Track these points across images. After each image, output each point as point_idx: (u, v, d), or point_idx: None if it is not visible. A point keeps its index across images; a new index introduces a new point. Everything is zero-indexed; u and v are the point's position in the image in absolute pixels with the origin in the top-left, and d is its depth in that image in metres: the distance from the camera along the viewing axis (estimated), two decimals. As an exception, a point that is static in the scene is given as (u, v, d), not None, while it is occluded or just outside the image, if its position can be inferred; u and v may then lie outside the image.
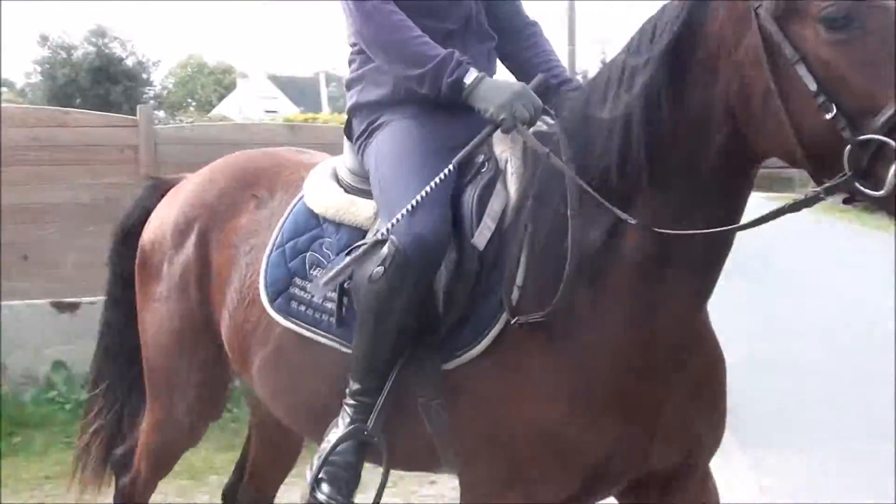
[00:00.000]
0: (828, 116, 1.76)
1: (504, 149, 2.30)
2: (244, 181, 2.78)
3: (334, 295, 2.34)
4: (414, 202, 2.16)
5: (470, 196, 2.26)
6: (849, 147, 1.74)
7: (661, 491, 2.29)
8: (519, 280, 2.13)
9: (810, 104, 1.78)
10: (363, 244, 2.26)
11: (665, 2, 2.03)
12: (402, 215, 2.16)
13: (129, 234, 3.08)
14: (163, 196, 3.04)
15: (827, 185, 1.80)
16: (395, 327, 2.19)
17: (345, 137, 2.59)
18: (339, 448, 2.24)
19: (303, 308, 2.43)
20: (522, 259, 2.14)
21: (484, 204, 2.22)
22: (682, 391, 2.15)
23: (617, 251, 2.06)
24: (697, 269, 2.07)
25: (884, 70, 1.73)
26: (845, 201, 1.88)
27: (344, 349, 2.32)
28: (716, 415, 2.31)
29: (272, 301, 2.49)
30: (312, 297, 2.40)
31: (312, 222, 2.51)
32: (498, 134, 2.28)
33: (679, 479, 2.28)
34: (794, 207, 1.92)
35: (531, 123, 2.22)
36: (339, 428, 2.25)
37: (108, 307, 3.24)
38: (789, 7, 1.81)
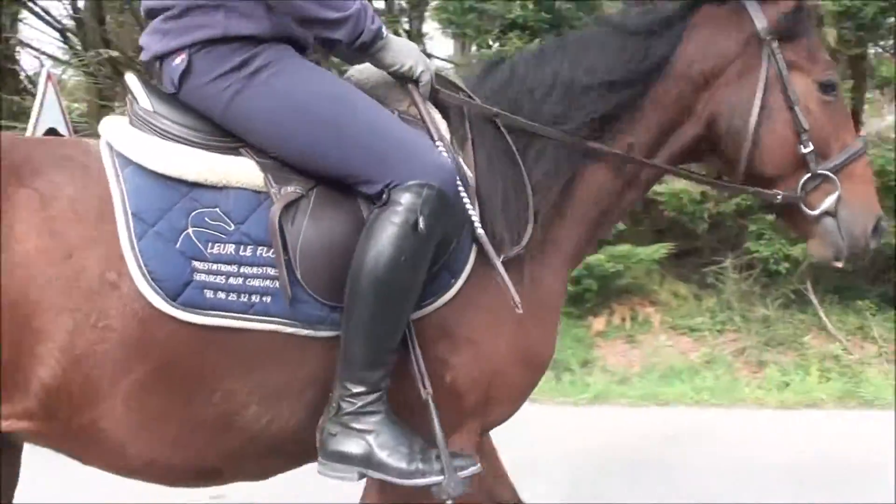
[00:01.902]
0: (804, 150, 2.33)
1: (403, 99, 2.26)
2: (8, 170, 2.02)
3: (266, 269, 2.00)
4: (424, 143, 2.11)
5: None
6: (808, 175, 2.34)
7: None
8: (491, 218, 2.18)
9: (791, 137, 2.34)
10: (376, 211, 2.03)
11: None
12: (411, 163, 2.04)
13: None
14: None
15: (787, 194, 2.36)
16: (418, 291, 2.05)
17: (142, 86, 2.15)
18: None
19: (223, 295, 1.98)
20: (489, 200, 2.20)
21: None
22: None
23: (573, 190, 2.32)
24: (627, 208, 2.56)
25: (840, 129, 2.39)
26: (768, 208, 2.58)
27: (288, 329, 2.01)
28: None
29: (174, 297, 1.95)
30: (227, 280, 1.97)
31: (171, 192, 2.02)
32: (388, 85, 2.28)
33: None
34: (756, 192, 2.43)
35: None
36: (371, 432, 1.99)
37: None
38: (798, 63, 2.36)
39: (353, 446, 1.99)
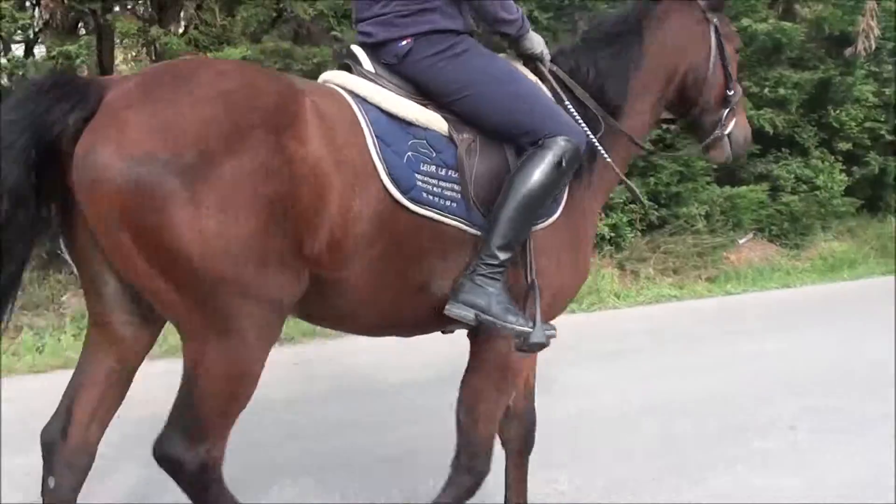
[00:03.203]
0: (730, 92, 3.47)
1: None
2: (292, 87, 2.68)
3: (453, 185, 2.85)
4: (564, 112, 3.08)
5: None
6: (729, 108, 3.48)
7: None
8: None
9: (724, 83, 3.46)
10: (527, 152, 2.92)
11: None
12: (560, 124, 2.97)
13: (57, 138, 2.37)
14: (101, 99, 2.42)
15: (720, 131, 3.51)
16: (544, 207, 2.93)
17: (366, 55, 3.00)
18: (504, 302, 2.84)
19: (433, 198, 2.80)
20: None
21: None
22: None
23: (610, 139, 3.25)
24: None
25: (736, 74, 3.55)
26: (688, 131, 3.76)
27: (463, 227, 2.87)
28: None
29: (406, 193, 2.74)
30: (433, 188, 2.81)
31: (399, 127, 2.84)
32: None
33: None
34: (713, 139, 3.54)
35: None
36: (489, 293, 2.82)
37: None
38: (726, 34, 3.49)
39: (477, 297, 2.82)
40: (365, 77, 2.94)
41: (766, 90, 10.86)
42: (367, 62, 2.97)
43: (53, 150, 2.36)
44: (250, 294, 2.43)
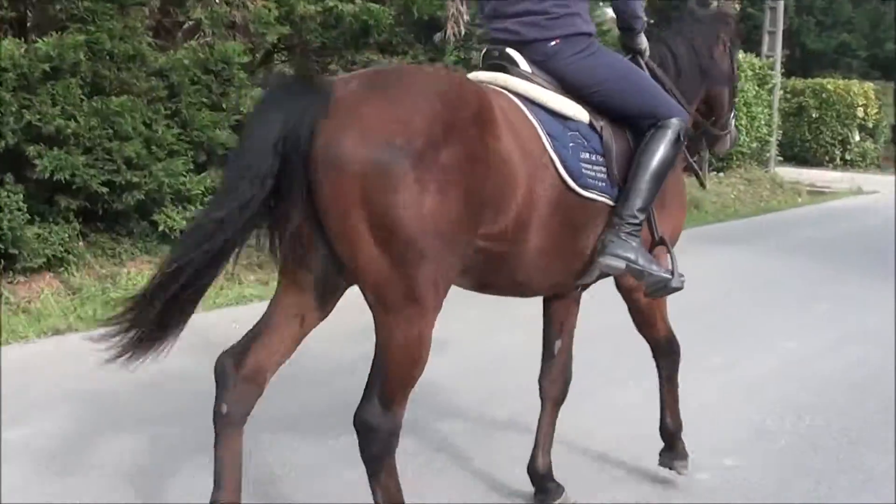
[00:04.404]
0: (735, 98, 4.42)
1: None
2: (483, 90, 3.06)
3: (602, 168, 3.30)
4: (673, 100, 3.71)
5: None
6: (734, 111, 4.43)
7: None
8: None
9: (731, 93, 4.34)
10: (651, 132, 3.44)
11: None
12: (672, 107, 3.53)
13: (298, 139, 2.66)
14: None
15: (726, 129, 4.35)
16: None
17: (522, 57, 3.39)
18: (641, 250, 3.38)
19: (593, 181, 3.25)
20: None
21: None
22: None
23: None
24: None
25: None
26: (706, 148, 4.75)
27: (609, 202, 3.31)
28: None
29: (576, 181, 3.17)
30: (591, 172, 3.24)
31: (560, 123, 3.23)
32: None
33: None
34: (723, 134, 4.43)
35: None
36: (634, 247, 3.30)
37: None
38: (733, 47, 4.36)
39: (626, 251, 3.30)
40: (522, 77, 3.31)
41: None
42: (523, 63, 3.36)
43: (293, 141, 2.62)
44: (442, 267, 2.74)
